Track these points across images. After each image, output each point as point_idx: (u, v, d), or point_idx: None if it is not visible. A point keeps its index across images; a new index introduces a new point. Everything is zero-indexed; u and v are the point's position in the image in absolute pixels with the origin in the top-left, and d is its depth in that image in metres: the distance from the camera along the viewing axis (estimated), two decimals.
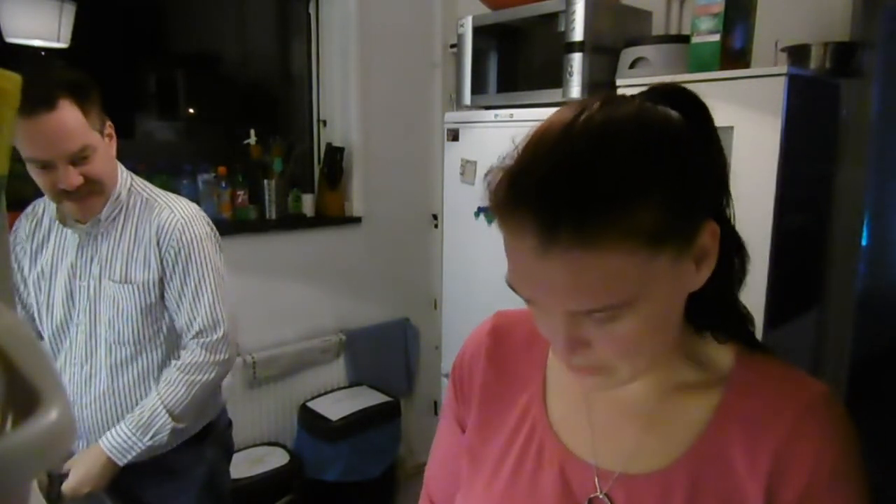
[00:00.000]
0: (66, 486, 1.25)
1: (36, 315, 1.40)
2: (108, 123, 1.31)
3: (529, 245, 0.49)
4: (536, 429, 0.67)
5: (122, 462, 1.28)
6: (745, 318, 0.63)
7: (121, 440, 1.28)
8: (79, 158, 1.22)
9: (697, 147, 0.53)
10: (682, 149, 0.52)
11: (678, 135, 0.52)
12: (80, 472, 1.26)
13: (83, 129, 1.21)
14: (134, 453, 1.29)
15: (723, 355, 0.62)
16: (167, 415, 1.30)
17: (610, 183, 0.48)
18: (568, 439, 0.65)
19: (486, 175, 0.55)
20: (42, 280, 1.38)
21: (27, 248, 1.39)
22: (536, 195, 0.49)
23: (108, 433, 1.30)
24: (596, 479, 0.61)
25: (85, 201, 1.29)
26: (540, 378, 0.69)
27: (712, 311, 0.60)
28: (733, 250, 0.59)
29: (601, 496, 0.61)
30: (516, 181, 0.51)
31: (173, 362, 1.36)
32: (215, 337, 1.36)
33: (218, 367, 1.37)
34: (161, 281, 1.33)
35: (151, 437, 1.29)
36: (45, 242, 1.38)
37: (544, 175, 0.49)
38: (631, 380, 0.57)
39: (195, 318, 1.34)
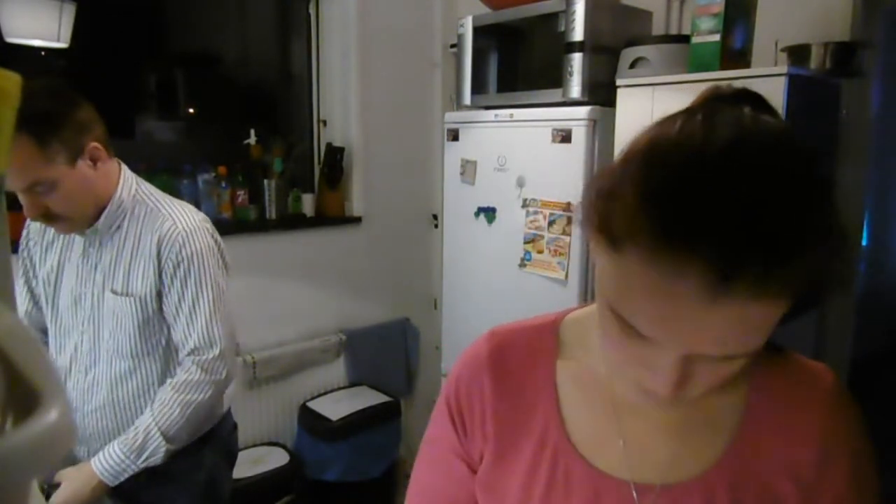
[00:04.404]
0: (54, 502, 1.22)
1: (44, 310, 1.40)
2: (93, 145, 1.23)
3: (692, 290, 0.43)
4: (559, 455, 0.63)
5: (113, 484, 1.26)
6: None
7: (113, 463, 1.25)
8: (35, 192, 1.17)
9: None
10: (832, 184, 0.49)
11: (825, 167, 0.50)
12: (68, 492, 1.23)
13: (36, 165, 1.14)
14: (127, 475, 1.26)
15: None
16: (161, 437, 1.26)
17: (799, 227, 0.43)
18: (597, 459, 0.62)
19: (598, 189, 0.49)
20: (49, 279, 1.37)
21: (39, 243, 1.39)
22: (716, 235, 0.42)
23: (100, 454, 1.26)
24: (634, 495, 0.59)
25: (56, 225, 1.27)
26: (551, 397, 0.65)
27: None
28: None
29: None
30: (684, 214, 0.43)
31: (168, 380, 1.32)
32: (211, 356, 1.31)
33: (214, 385, 1.33)
34: (160, 294, 1.30)
35: (145, 460, 1.26)
36: (55, 241, 1.37)
37: (724, 211, 0.42)
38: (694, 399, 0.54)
39: (190, 335, 1.31)
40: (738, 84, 0.54)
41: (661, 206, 0.44)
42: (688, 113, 0.49)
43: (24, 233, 1.41)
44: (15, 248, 1.44)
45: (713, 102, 0.52)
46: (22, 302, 1.44)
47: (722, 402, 0.60)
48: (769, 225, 0.42)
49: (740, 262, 0.42)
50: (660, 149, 0.47)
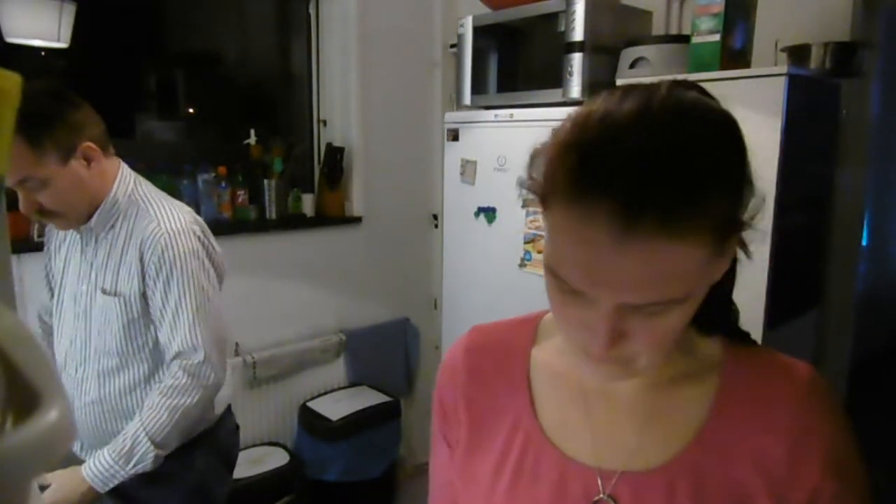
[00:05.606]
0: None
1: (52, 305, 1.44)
2: (87, 144, 1.24)
3: (604, 231, 0.46)
4: (530, 441, 0.65)
5: (103, 490, 1.25)
6: (734, 311, 0.65)
7: (103, 469, 1.24)
8: (27, 188, 1.19)
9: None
10: (743, 143, 0.52)
11: (739, 130, 0.52)
12: (58, 496, 1.22)
13: (26, 163, 1.15)
14: (116, 481, 1.25)
15: (710, 346, 0.63)
16: (149, 442, 1.25)
17: (699, 171, 0.46)
18: (566, 446, 0.64)
19: (533, 157, 0.53)
20: (57, 276, 1.41)
21: (54, 239, 1.43)
22: (621, 178, 0.45)
23: (90, 460, 1.26)
24: (599, 481, 0.60)
25: (51, 221, 1.28)
26: (525, 389, 0.68)
27: (711, 305, 0.59)
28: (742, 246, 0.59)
29: (605, 497, 0.60)
30: (593, 161, 0.47)
31: (156, 385, 1.32)
32: (195, 360, 1.30)
33: (202, 390, 1.31)
34: (144, 296, 1.30)
35: (134, 466, 1.25)
36: (66, 238, 1.40)
37: (629, 157, 0.46)
38: (645, 371, 0.56)
39: (174, 339, 1.30)
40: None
41: (572, 159, 0.48)
42: (610, 90, 0.53)
43: (48, 227, 1.45)
44: (38, 245, 1.51)
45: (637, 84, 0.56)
46: (43, 294, 1.50)
47: (691, 394, 0.61)
48: (668, 171, 0.46)
49: (641, 203, 0.45)
50: (580, 115, 0.51)
